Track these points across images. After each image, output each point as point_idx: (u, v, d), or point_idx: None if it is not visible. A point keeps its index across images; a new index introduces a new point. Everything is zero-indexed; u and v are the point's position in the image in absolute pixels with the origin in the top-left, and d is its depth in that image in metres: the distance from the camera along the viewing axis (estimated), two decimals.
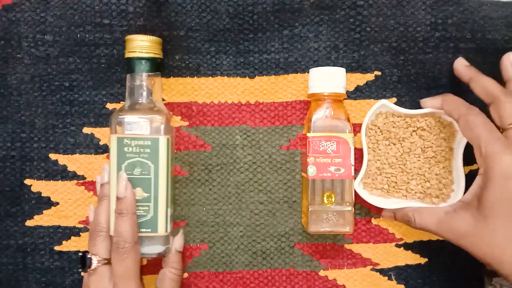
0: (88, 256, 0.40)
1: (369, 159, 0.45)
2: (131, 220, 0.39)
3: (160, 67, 0.43)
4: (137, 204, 0.40)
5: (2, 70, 0.45)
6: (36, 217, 0.46)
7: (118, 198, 0.39)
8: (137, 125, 0.40)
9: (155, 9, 0.44)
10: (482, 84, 0.41)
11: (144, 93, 0.42)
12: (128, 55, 0.41)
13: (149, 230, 0.40)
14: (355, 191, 0.44)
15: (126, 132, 0.40)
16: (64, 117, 0.46)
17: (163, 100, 0.46)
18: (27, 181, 0.46)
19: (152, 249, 0.41)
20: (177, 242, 0.44)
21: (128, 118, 0.40)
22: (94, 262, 0.40)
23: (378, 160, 0.45)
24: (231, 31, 0.45)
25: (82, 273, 0.44)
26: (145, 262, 0.46)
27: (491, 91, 0.40)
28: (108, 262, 0.40)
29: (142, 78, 0.41)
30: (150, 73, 0.42)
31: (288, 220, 0.47)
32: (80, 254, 0.41)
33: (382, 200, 0.45)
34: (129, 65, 0.41)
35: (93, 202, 0.46)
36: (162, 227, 0.41)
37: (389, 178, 0.45)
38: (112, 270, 0.39)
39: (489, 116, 0.40)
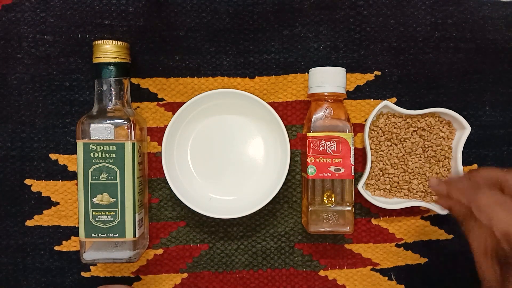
0: None
1: (372, 160, 0.45)
2: None
3: (128, 71, 0.43)
4: (104, 209, 0.40)
5: (2, 70, 0.45)
6: (36, 217, 0.46)
7: None
8: (103, 131, 0.40)
9: (155, 9, 0.44)
10: (482, 175, 0.37)
11: (113, 98, 0.42)
12: (95, 60, 0.42)
13: (117, 235, 0.41)
14: (357, 191, 0.44)
15: (92, 137, 0.40)
16: (64, 117, 0.46)
17: (163, 100, 0.46)
18: (27, 181, 0.46)
19: (120, 255, 0.41)
20: None
21: (94, 124, 0.40)
22: None
23: (381, 161, 0.45)
24: (231, 31, 0.45)
25: None
26: (145, 262, 0.47)
27: (493, 176, 0.36)
28: None
29: (110, 83, 0.42)
30: (117, 78, 0.42)
31: (288, 220, 0.47)
32: None
33: (385, 200, 0.45)
34: (96, 71, 0.42)
35: None
36: (130, 232, 0.41)
37: (391, 178, 0.45)
38: None
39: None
